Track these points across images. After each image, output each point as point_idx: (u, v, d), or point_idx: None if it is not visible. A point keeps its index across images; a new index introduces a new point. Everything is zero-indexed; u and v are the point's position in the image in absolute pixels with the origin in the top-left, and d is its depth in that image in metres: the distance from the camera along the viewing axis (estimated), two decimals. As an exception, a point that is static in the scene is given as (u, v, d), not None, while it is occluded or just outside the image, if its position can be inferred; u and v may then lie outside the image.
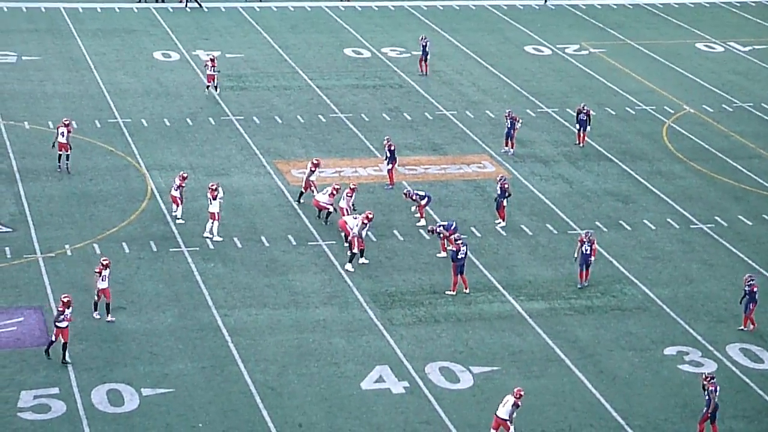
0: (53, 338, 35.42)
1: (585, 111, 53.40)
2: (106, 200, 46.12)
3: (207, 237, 43.22)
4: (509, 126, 52.01)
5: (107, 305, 37.71)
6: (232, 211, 45.51)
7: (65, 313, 35.10)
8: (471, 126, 55.42)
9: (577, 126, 53.78)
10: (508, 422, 32.32)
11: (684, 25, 74.27)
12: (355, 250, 41.76)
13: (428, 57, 61.90)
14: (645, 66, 65.58)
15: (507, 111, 53.12)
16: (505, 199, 45.34)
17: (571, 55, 67.05)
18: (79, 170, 48.50)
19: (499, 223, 45.54)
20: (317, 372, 35.86)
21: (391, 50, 65.85)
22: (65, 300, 35.32)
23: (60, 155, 48.31)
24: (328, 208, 44.74)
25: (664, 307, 40.71)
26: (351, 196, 44.31)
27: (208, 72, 57.80)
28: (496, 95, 59.84)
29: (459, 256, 40.32)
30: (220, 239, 43.27)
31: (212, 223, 43.30)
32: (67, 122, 48.31)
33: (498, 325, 38.99)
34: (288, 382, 35.28)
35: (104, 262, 37.69)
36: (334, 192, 44.77)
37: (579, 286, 41.07)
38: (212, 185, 43.53)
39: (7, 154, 49.75)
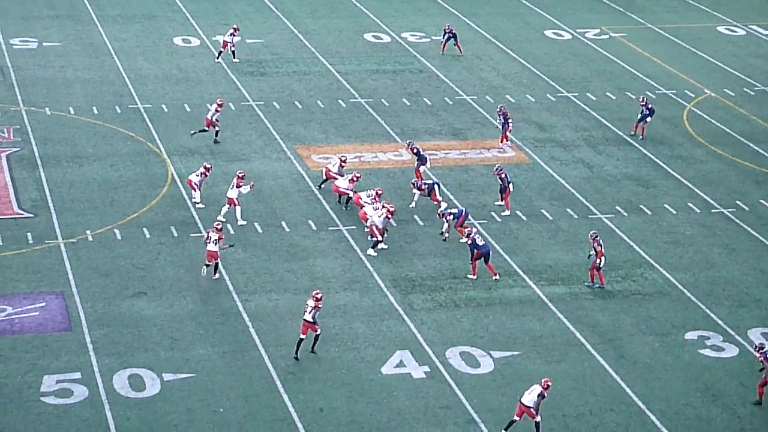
0: (302, 335, 35.07)
1: (644, 104, 52.63)
2: (127, 186, 46.24)
3: (220, 220, 43.11)
4: (503, 121, 51.41)
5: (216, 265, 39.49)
6: (252, 196, 45.54)
7: (317, 307, 34.86)
8: (491, 111, 55.30)
9: (638, 116, 52.99)
10: (532, 410, 32.28)
11: (705, 8, 73.96)
12: (379, 238, 41.84)
13: (448, 42, 62.00)
14: (666, 50, 65.35)
15: (499, 107, 52.25)
16: (509, 186, 44.92)
17: (592, 39, 66.86)
18: (99, 156, 48.66)
19: (504, 211, 45.27)
20: (338, 357, 35.93)
21: (411, 35, 65.75)
22: (318, 296, 34.95)
23: (216, 131, 50.23)
24: (348, 194, 44.76)
25: (685, 291, 40.65)
26: (376, 200, 43.48)
27: (225, 38, 59.03)
28: (516, 80, 59.72)
29: (479, 243, 40.31)
30: (244, 223, 43.37)
31: (228, 207, 43.32)
32: (221, 102, 50.21)
33: (518, 310, 39.00)
34: (309, 367, 35.35)
35: (217, 227, 39.41)
36: (355, 179, 44.77)
37: (598, 286, 40.27)
38: (240, 173, 43.52)
39: (28, 140, 49.92)
